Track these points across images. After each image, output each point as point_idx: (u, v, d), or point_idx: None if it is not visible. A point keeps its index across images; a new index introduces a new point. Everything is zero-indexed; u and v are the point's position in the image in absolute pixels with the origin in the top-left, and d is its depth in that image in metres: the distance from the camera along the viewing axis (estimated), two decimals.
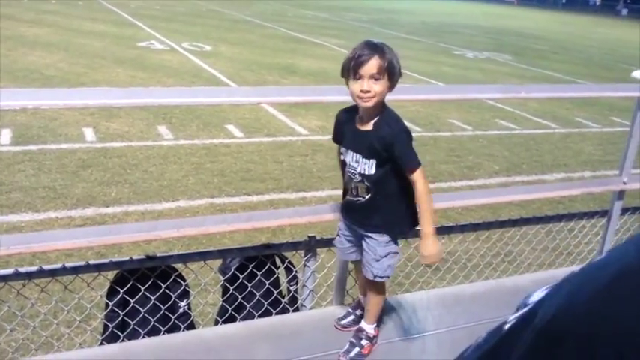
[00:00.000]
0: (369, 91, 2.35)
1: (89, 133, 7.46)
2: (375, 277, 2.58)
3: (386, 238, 2.54)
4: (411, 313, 3.05)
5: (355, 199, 2.55)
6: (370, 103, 2.37)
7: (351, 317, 2.88)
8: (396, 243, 2.58)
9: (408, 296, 3.24)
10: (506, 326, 0.71)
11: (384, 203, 2.49)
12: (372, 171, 2.45)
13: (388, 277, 2.61)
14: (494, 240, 4.10)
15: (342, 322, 2.87)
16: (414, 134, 8.03)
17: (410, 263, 3.73)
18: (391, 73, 2.38)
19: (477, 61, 17.93)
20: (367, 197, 2.51)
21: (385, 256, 2.55)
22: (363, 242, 2.59)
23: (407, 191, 2.48)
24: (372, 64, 2.34)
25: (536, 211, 5.49)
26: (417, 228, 2.49)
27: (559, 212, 4.40)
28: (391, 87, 2.41)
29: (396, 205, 2.50)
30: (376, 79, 2.35)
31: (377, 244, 2.54)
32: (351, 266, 3.00)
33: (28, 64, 11.00)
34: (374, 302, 2.71)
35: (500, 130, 9.67)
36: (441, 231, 3.62)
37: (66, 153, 6.72)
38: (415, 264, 3.73)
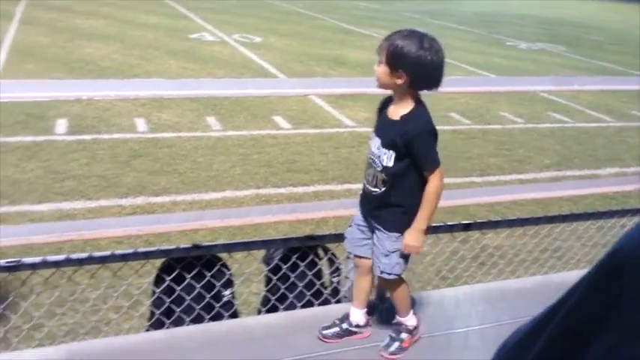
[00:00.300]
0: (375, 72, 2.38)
1: (141, 124, 7.63)
2: (381, 273, 2.50)
3: (396, 233, 2.46)
4: (455, 307, 3.02)
5: (373, 188, 2.48)
6: (377, 84, 2.39)
7: (335, 329, 2.70)
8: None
9: (452, 290, 3.21)
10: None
11: (399, 199, 2.43)
12: (391, 163, 2.40)
13: (396, 275, 2.51)
14: (543, 235, 4.01)
15: (324, 332, 2.69)
16: (462, 127, 7.95)
17: (454, 257, 3.69)
18: (391, 59, 2.29)
19: (529, 52, 17.49)
20: (382, 190, 2.45)
21: (394, 252, 2.47)
22: (374, 236, 2.53)
23: (414, 194, 2.41)
24: (378, 46, 2.35)
25: (587, 206, 5.34)
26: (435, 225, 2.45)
27: (612, 208, 4.27)
28: (394, 75, 2.30)
29: (409, 201, 2.42)
30: (379, 62, 2.33)
31: (386, 238, 2.47)
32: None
33: (83, 56, 11.31)
34: (396, 297, 2.65)
35: (553, 123, 9.42)
36: (488, 225, 3.57)
37: (118, 143, 6.90)
38: (459, 258, 3.69)
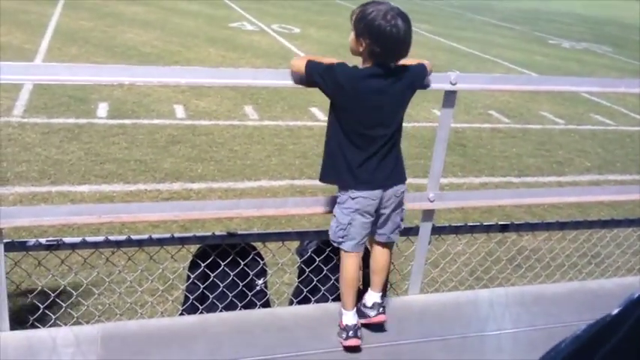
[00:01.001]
0: None
1: (179, 110, 7.71)
2: None
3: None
4: (488, 309, 2.98)
5: None
6: None
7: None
8: (342, 205, 2.50)
9: (486, 292, 3.16)
10: (612, 314, 0.68)
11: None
12: None
13: (334, 241, 2.55)
14: (582, 240, 3.93)
15: None
16: (501, 125, 7.86)
17: (490, 258, 3.64)
18: (355, 26, 2.37)
19: (573, 52, 17.13)
20: None
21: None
22: None
23: (331, 141, 2.52)
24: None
25: (628, 212, 5.22)
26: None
27: None
28: (358, 42, 2.36)
29: (325, 152, 2.57)
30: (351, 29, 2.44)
31: None
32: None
33: (125, 41, 11.47)
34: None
35: (595, 125, 9.23)
36: (525, 228, 3.51)
37: (157, 128, 6.98)
38: (495, 259, 3.64)
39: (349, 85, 2.36)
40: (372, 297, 2.66)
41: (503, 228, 3.34)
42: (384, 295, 2.72)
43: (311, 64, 2.38)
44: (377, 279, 2.67)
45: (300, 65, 2.40)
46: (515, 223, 3.47)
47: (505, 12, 25.98)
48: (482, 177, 6.51)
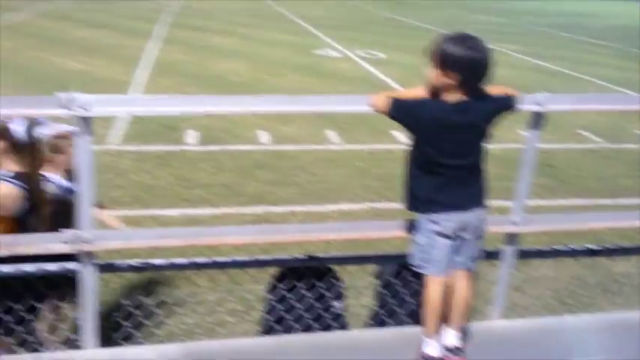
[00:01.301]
0: None
1: (264, 136, 7.93)
2: None
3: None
4: (574, 336, 2.85)
5: None
6: (428, 86, 2.44)
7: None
8: (422, 228, 2.50)
9: (571, 318, 3.03)
10: None
11: None
12: None
13: (413, 265, 2.55)
14: None
15: None
16: (593, 145, 7.56)
17: (577, 282, 3.49)
18: (442, 63, 2.35)
19: None
20: None
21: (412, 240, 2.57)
22: None
23: (410, 167, 2.56)
24: (429, 50, 2.44)
25: None
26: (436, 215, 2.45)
27: None
28: (445, 76, 2.34)
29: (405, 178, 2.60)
30: (431, 66, 2.40)
31: None
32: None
33: (216, 72, 11.95)
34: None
35: None
36: (617, 252, 3.35)
37: (242, 153, 7.21)
38: (582, 284, 3.49)
39: (434, 122, 2.40)
40: (451, 338, 2.60)
41: (593, 253, 3.20)
42: (464, 336, 2.64)
43: (393, 107, 2.43)
44: (456, 315, 2.60)
45: (381, 106, 2.45)
46: (607, 247, 3.31)
47: (596, 29, 25.01)
48: (572, 199, 6.26)
